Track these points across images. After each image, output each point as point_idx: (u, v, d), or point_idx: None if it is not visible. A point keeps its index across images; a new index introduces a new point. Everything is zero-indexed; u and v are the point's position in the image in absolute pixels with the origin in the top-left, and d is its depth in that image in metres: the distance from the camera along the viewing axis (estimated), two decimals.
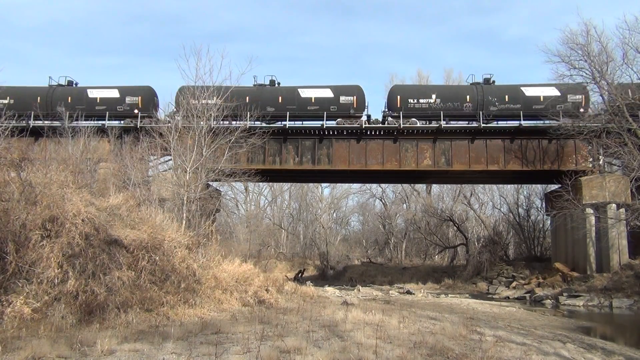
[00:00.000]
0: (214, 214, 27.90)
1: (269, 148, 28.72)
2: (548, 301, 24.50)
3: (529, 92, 28.09)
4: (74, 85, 31.18)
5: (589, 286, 24.64)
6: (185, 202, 18.22)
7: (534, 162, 28.21)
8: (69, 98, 29.52)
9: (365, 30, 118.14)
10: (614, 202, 26.48)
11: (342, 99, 28.44)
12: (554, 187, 30.70)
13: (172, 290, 10.82)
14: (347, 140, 28.99)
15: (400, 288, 29.55)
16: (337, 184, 52.57)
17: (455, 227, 42.50)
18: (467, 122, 28.13)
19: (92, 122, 28.18)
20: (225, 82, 21.15)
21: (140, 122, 27.66)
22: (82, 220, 10.15)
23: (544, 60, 37.55)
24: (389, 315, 11.80)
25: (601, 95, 26.39)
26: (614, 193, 26.49)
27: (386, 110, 29.09)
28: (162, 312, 9.91)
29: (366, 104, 29.10)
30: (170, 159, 22.50)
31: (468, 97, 28.30)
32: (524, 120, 27.96)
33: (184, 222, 16.94)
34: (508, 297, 26.67)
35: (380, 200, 54.83)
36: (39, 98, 29.51)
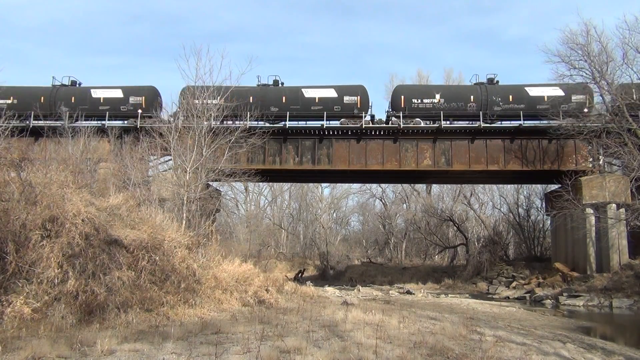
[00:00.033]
0: (214, 214, 27.91)
1: (269, 148, 28.72)
2: (548, 301, 24.50)
3: (533, 92, 28.09)
4: (77, 85, 31.14)
5: (589, 286, 24.64)
6: (185, 202, 18.23)
7: (534, 162, 28.22)
8: (73, 98, 29.52)
9: (365, 30, 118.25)
10: (614, 202, 26.47)
11: (346, 99, 28.45)
12: (554, 187, 30.70)
13: (172, 290, 10.82)
14: (347, 140, 28.99)
15: (400, 288, 29.55)
16: (337, 184, 52.60)
17: (455, 227, 42.51)
18: (471, 122, 28.10)
19: (94, 122, 28.23)
20: (225, 82, 21.23)
21: (144, 122, 27.55)
22: (82, 220, 10.15)
23: (544, 60, 37.51)
24: (389, 315, 11.80)
25: (601, 95, 26.40)
26: (614, 193, 26.48)
27: (390, 110, 29.13)
28: (162, 312, 9.91)
29: (370, 104, 29.14)
30: (170, 159, 22.52)
31: (472, 97, 28.31)
32: (527, 120, 27.98)
33: (184, 222, 16.95)
34: (508, 297, 26.67)
35: (380, 200, 54.91)
36: (42, 98, 29.45)
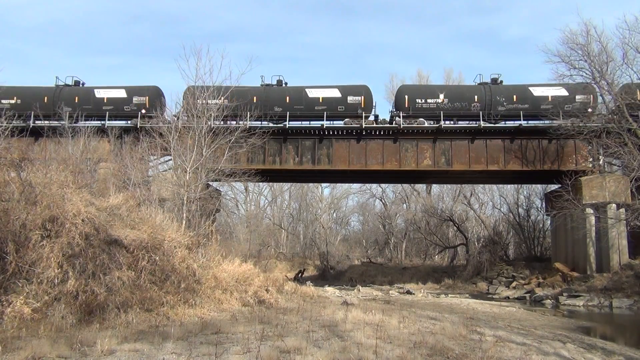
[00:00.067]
0: (214, 214, 27.91)
1: (269, 148, 28.72)
2: (548, 301, 24.49)
3: (537, 92, 28.07)
4: (80, 85, 31.13)
5: (589, 286, 24.63)
6: (185, 202, 18.23)
7: (534, 162, 28.22)
8: (76, 98, 29.52)
9: (365, 30, 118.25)
10: (614, 202, 26.47)
11: (350, 99, 28.44)
12: (554, 187, 30.69)
13: (172, 290, 10.82)
14: (347, 140, 28.99)
15: (400, 288, 29.54)
16: (337, 184, 52.61)
17: (455, 227, 42.50)
18: (475, 122, 28.09)
19: (97, 122, 28.25)
20: (225, 82, 21.22)
21: (147, 121, 27.49)
22: (82, 220, 10.15)
23: (544, 60, 37.51)
24: (389, 315, 11.80)
25: (601, 95, 26.40)
26: (614, 193, 26.48)
27: (394, 110, 29.16)
28: (162, 312, 9.91)
29: (374, 104, 29.19)
30: (170, 159, 22.51)
31: (476, 97, 28.32)
32: (531, 120, 27.97)
33: (184, 222, 16.94)
34: (508, 297, 26.66)
35: (380, 200, 54.91)
36: (45, 98, 29.41)
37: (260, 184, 44.26)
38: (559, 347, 9.94)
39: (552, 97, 27.50)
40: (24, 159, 13.48)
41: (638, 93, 24.59)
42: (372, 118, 28.94)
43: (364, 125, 28.03)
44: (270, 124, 27.53)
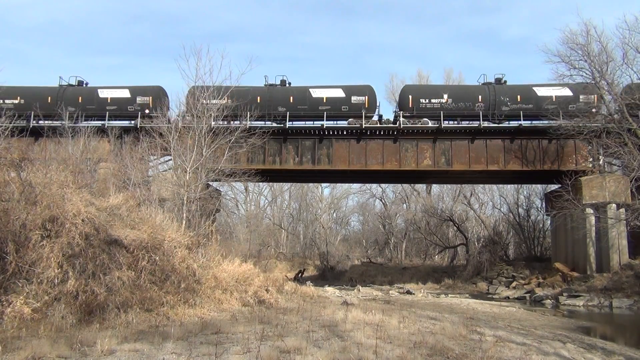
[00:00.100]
0: (214, 214, 27.90)
1: (269, 148, 28.72)
2: (548, 301, 24.49)
3: (541, 92, 28.05)
4: (84, 85, 31.13)
5: (589, 286, 24.63)
6: (185, 202, 18.24)
7: (534, 162, 28.22)
8: (80, 98, 29.53)
9: (365, 30, 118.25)
10: (614, 202, 26.47)
11: (354, 99, 28.45)
12: (554, 187, 30.69)
13: (172, 290, 10.82)
14: (347, 140, 28.99)
15: (400, 288, 29.54)
16: (337, 184, 52.60)
17: (455, 227, 42.50)
18: (478, 122, 28.11)
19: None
20: (225, 82, 21.21)
21: (150, 121, 27.44)
22: (82, 220, 10.15)
23: (544, 60, 37.45)
24: (389, 315, 11.80)
25: (601, 95, 26.39)
26: (614, 193, 26.48)
27: (397, 110, 29.17)
28: (162, 312, 9.91)
29: (377, 104, 29.15)
30: (170, 159, 22.51)
31: (480, 97, 28.32)
32: (535, 120, 27.97)
33: (184, 222, 16.95)
34: (508, 297, 26.66)
35: (380, 200, 54.92)
36: (49, 98, 29.39)
37: (260, 184, 44.28)
38: (559, 347, 9.94)
39: (556, 97, 27.48)
40: (24, 159, 13.49)
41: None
42: (376, 118, 28.95)
43: (364, 125, 28.02)
44: (274, 124, 27.55)
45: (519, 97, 28.10)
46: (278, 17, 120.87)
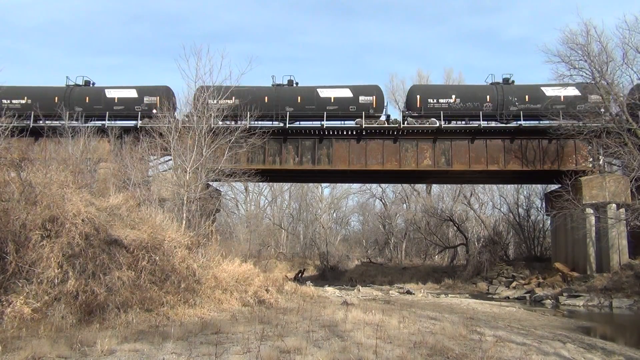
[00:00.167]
0: (214, 214, 27.90)
1: (269, 148, 28.72)
2: (548, 301, 24.50)
3: (549, 92, 27.98)
4: (91, 85, 31.10)
5: (589, 286, 24.63)
6: (185, 202, 18.24)
7: (534, 162, 28.22)
8: (87, 98, 29.53)
9: (365, 30, 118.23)
10: (614, 202, 26.47)
11: (362, 99, 28.44)
12: (554, 187, 30.68)
13: (172, 290, 10.82)
14: (347, 140, 28.99)
15: (400, 288, 29.54)
16: (337, 184, 52.60)
17: (455, 227, 42.50)
18: (486, 122, 28.11)
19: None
20: (225, 82, 21.20)
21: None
22: (82, 220, 10.15)
23: (544, 60, 37.44)
24: (389, 315, 11.79)
25: (601, 95, 26.37)
26: (614, 193, 26.48)
27: (405, 110, 29.18)
28: (162, 312, 9.91)
29: (385, 104, 29.13)
30: (170, 159, 22.51)
31: (488, 97, 28.31)
32: (544, 120, 27.92)
33: (184, 222, 16.95)
34: (508, 297, 26.67)
35: (380, 200, 54.93)
36: (56, 98, 29.35)
37: (260, 184, 44.29)
38: (559, 347, 9.94)
39: (564, 97, 27.48)
40: (24, 159, 13.51)
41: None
42: (383, 118, 28.95)
43: (363, 125, 28.02)
44: (281, 124, 27.63)
45: (527, 97, 28.09)
46: (278, 17, 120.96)
